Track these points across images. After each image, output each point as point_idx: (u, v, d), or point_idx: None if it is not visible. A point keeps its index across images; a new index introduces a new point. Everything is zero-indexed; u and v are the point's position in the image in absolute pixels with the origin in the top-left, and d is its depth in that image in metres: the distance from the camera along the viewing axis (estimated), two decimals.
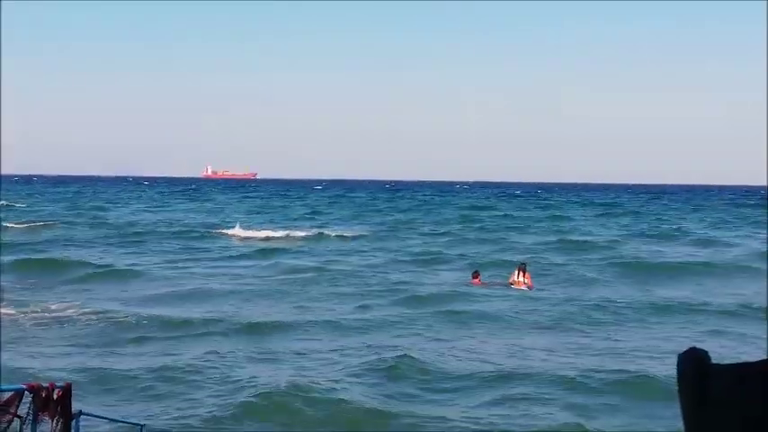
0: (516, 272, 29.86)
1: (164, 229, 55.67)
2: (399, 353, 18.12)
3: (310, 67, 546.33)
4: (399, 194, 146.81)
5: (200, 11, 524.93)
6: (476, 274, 30.71)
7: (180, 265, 36.22)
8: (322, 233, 54.06)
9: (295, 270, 33.63)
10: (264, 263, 36.40)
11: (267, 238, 50.62)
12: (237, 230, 54.36)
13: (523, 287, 28.97)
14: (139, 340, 20.14)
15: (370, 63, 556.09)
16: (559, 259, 39.02)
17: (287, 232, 54.00)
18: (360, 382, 16.12)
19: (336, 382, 16.03)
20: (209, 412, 14.13)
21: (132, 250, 42.11)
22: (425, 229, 59.32)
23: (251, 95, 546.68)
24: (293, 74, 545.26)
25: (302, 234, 53.13)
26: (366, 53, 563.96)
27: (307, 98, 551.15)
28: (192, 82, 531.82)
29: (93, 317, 22.69)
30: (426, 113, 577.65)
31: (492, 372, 16.90)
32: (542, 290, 29.24)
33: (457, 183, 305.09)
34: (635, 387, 15.78)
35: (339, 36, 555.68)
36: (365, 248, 44.83)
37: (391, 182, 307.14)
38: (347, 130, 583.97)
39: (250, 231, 54.29)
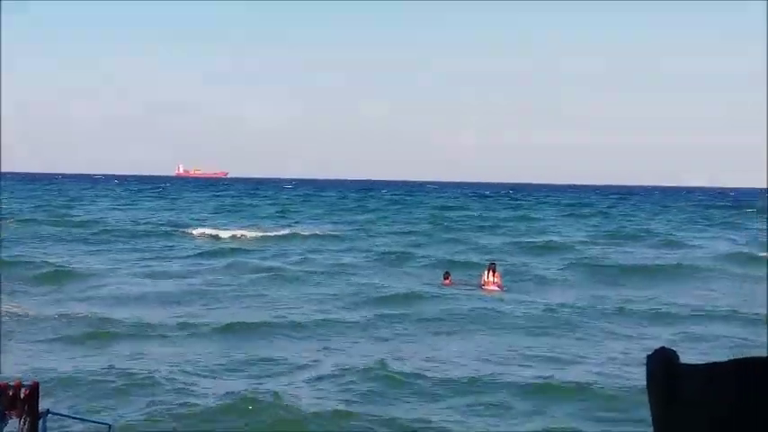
0: (486, 272, 29.91)
1: (130, 228, 55.17)
2: (373, 357, 17.87)
3: (280, 66, 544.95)
4: (370, 194, 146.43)
5: (174, 10, 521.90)
6: (447, 275, 30.84)
7: (143, 264, 35.75)
8: (291, 232, 53.78)
9: (261, 270, 33.29)
10: (229, 262, 35.97)
11: (235, 237, 50.25)
12: (205, 229, 53.99)
13: (494, 287, 29.05)
14: (100, 341, 19.61)
15: (341, 61, 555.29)
16: (528, 260, 39.09)
17: (256, 232, 53.56)
18: (333, 388, 15.84)
19: (305, 387, 15.78)
20: (173, 415, 13.94)
21: (95, 249, 41.56)
22: (395, 229, 59.22)
23: (223, 95, 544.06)
24: (264, 73, 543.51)
25: (271, 234, 52.83)
26: (337, 49, 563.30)
27: (278, 97, 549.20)
28: (164, 79, 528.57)
29: (55, 317, 22.22)
30: (396, 113, 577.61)
31: (464, 377, 16.71)
32: (512, 291, 29.22)
33: (427, 183, 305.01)
34: (598, 394, 15.67)
35: (310, 32, 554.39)
36: (334, 248, 44.62)
37: (362, 181, 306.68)
38: (319, 128, 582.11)
39: (218, 230, 53.91)
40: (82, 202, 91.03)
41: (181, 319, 22.41)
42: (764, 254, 41.10)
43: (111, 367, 16.71)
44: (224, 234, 51.93)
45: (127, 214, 71.56)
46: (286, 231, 54.56)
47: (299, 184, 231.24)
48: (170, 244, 45.25)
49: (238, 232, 52.92)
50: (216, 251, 41.35)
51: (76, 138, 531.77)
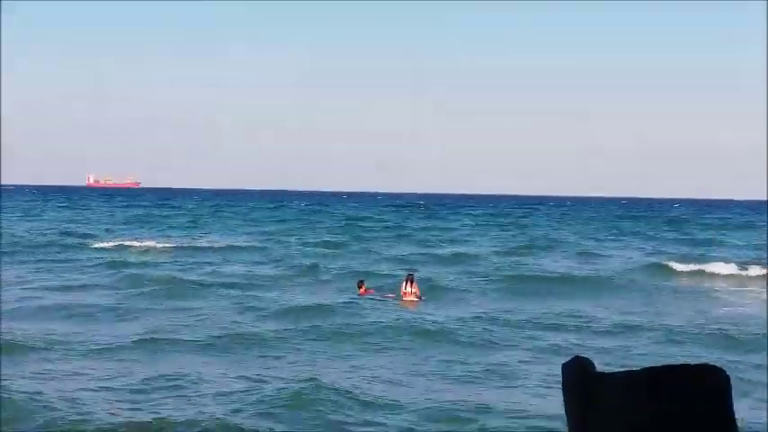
0: (405, 282, 30.02)
1: (33, 239, 53.87)
2: (290, 372, 17.43)
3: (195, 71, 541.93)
4: (283, 204, 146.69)
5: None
6: (361, 284, 30.99)
7: (45, 277, 34.74)
8: (198, 244, 53.31)
9: (166, 282, 32.55)
10: (135, 273, 35.35)
11: (143, 249, 49.35)
12: (109, 242, 53.04)
13: (413, 297, 29.23)
14: None
15: (262, 67, 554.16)
16: (442, 271, 39.32)
17: (165, 243, 52.82)
18: (247, 406, 15.05)
19: (213, 405, 15.06)
20: None
21: None
22: (308, 239, 59.24)
23: (134, 101, 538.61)
24: (174, 81, 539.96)
25: (180, 244, 52.29)
26: (265, 53, 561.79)
27: (191, 105, 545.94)
28: (69, 82, 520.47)
29: None
30: (297, 123, 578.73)
31: (384, 393, 16.33)
32: (427, 302, 29.27)
33: (341, 193, 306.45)
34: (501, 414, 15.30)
35: (232, 33, 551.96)
36: (246, 259, 44.36)
37: (273, 192, 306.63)
38: (234, 138, 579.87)
39: (124, 241, 53.04)
40: None
41: (81, 335, 21.55)
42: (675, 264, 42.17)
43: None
44: (133, 245, 50.90)
45: (32, 224, 70.02)
46: (194, 243, 53.92)
47: (210, 195, 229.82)
48: (76, 256, 44.16)
49: (149, 243, 52.08)
50: (123, 262, 40.56)
51: None
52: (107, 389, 16.33)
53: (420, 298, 29.32)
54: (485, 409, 15.22)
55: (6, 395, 15.15)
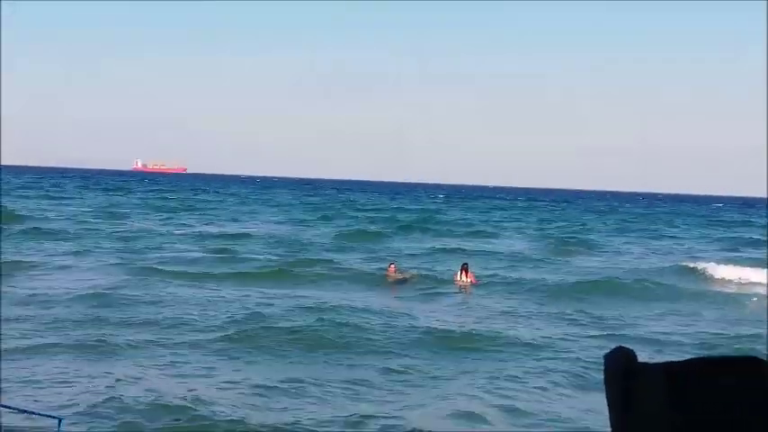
0: (459, 272, 31.84)
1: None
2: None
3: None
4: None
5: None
6: (391, 265, 33.06)
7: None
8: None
9: None
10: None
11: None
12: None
13: (466, 284, 31.15)
14: None
15: (305, 57, 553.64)
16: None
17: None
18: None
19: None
20: None
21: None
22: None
23: (182, 88, 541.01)
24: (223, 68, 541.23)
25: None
26: (299, 47, 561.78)
27: (240, 92, 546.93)
28: (121, 71, 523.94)
29: None
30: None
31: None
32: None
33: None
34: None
35: (273, 30, 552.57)
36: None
37: (311, 180, 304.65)
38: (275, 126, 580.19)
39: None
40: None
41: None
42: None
43: None
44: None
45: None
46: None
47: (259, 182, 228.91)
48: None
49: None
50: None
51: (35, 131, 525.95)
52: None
53: (471, 284, 31.13)
54: None
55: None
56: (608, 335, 22.13)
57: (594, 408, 14.22)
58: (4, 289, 25.07)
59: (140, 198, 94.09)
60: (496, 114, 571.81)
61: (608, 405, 1.63)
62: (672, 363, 1.54)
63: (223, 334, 20.05)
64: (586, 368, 17.47)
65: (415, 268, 35.05)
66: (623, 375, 1.57)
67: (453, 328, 21.86)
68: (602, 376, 1.64)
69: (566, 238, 58.95)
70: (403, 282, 31.24)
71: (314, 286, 29.72)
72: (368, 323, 21.89)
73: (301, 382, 16.12)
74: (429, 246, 47.79)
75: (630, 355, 1.61)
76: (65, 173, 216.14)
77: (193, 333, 20.23)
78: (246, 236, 49.16)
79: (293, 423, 13.70)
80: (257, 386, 15.72)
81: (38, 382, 15.38)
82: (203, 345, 18.98)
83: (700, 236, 68.91)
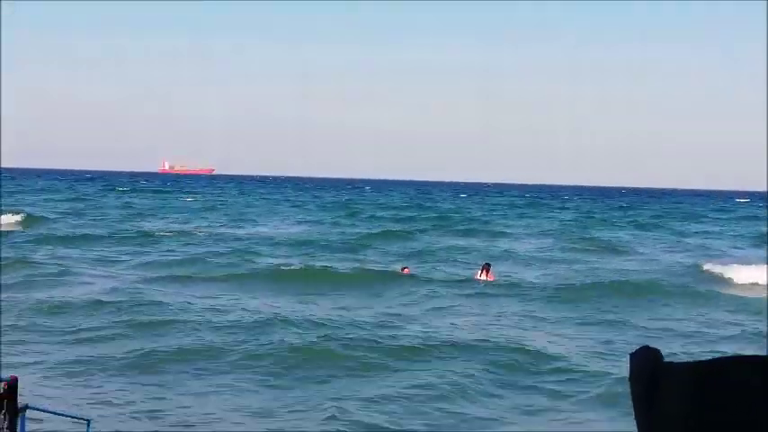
0: (480, 270, 31.71)
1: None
2: None
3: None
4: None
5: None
6: (404, 269, 32.91)
7: None
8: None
9: None
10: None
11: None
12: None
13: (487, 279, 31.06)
14: None
15: (331, 57, 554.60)
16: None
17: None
18: None
19: None
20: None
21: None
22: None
23: (209, 89, 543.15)
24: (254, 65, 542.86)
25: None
26: (326, 49, 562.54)
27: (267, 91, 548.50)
28: (147, 74, 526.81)
29: None
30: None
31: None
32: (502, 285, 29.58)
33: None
34: None
35: (301, 26, 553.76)
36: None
37: (343, 180, 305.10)
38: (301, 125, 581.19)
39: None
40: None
41: None
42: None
43: None
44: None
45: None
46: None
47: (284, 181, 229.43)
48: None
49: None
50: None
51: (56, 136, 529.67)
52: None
53: (490, 282, 30.66)
54: None
55: None
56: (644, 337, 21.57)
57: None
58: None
59: (203, 202, 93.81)
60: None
61: (633, 404, 1.60)
62: (699, 362, 1.50)
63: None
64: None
65: (434, 266, 35.05)
66: (649, 375, 1.55)
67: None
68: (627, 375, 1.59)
69: (596, 235, 58.01)
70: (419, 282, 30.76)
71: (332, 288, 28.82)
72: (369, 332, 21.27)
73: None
74: (449, 244, 47.64)
75: (656, 354, 1.57)
76: (93, 175, 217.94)
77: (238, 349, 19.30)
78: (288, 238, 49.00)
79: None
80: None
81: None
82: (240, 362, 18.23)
83: (735, 233, 65.88)
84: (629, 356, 1.63)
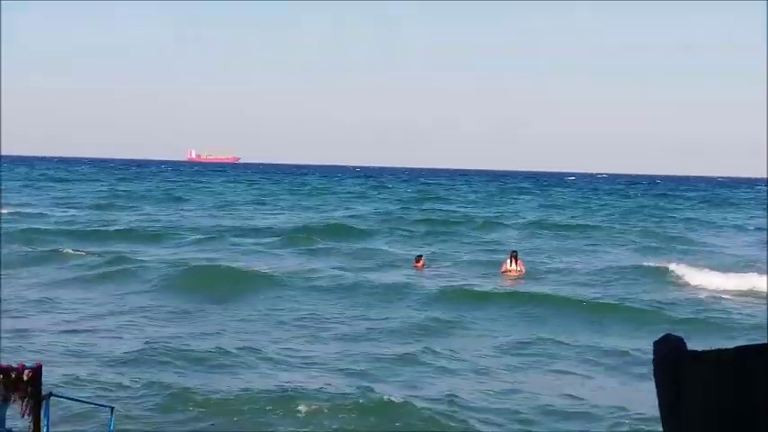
0: (509, 260, 30.84)
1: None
2: None
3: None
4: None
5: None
6: (419, 258, 32.11)
7: None
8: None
9: None
10: None
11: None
12: None
13: (515, 273, 30.03)
14: None
15: (355, 48, 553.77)
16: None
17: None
18: None
19: None
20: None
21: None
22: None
23: (234, 78, 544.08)
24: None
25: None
26: (350, 38, 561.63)
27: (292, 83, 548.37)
28: (175, 64, 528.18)
29: None
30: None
31: None
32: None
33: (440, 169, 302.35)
34: None
35: (324, 19, 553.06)
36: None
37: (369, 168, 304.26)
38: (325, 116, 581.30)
39: None
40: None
41: None
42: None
43: None
44: None
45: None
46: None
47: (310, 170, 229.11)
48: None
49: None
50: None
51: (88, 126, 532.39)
52: None
53: (523, 273, 30.11)
54: None
55: None
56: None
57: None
58: None
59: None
60: None
61: (657, 391, 1.64)
62: (721, 350, 1.57)
63: None
64: None
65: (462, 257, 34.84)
66: (672, 362, 1.58)
67: None
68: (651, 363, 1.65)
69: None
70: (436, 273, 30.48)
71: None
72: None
73: None
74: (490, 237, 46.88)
75: (680, 342, 1.61)
76: (126, 164, 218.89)
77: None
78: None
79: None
80: None
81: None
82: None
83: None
84: (653, 344, 1.67)
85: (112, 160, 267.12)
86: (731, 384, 1.47)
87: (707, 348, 1.65)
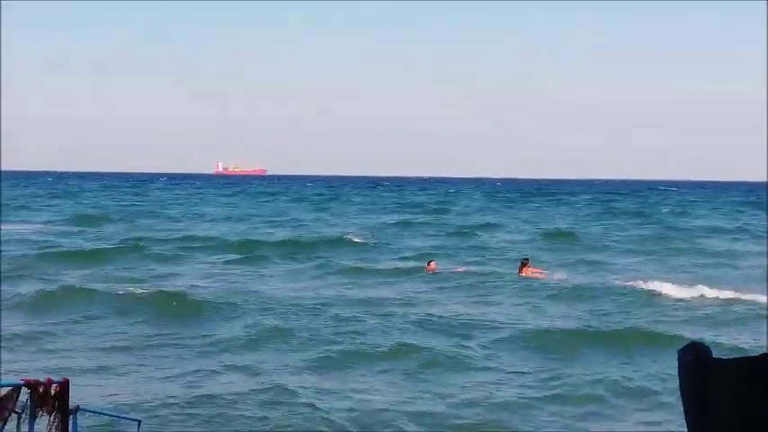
0: (520, 267, 30.80)
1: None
2: None
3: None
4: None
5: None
6: (430, 262, 32.63)
7: None
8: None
9: None
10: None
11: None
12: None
13: (534, 275, 30.09)
14: None
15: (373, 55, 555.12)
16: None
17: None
18: None
19: None
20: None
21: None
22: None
23: (263, 89, 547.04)
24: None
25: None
26: (374, 48, 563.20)
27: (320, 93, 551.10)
28: (197, 74, 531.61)
29: None
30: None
31: None
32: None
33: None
34: None
35: (349, 28, 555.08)
36: None
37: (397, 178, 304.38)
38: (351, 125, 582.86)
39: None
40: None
41: None
42: None
43: None
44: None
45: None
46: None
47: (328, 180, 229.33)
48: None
49: None
50: None
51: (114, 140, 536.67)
52: None
53: (543, 273, 30.51)
54: None
55: None
56: None
57: None
58: None
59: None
60: None
61: (681, 398, 1.65)
62: (745, 358, 1.53)
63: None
64: None
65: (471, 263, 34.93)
66: (697, 369, 1.57)
67: None
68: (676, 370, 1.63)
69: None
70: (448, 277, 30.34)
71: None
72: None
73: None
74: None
75: (704, 349, 1.62)
76: (152, 177, 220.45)
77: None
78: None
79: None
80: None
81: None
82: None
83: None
84: (677, 352, 1.68)
85: (148, 174, 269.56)
86: (757, 392, 1.46)
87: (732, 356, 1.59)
